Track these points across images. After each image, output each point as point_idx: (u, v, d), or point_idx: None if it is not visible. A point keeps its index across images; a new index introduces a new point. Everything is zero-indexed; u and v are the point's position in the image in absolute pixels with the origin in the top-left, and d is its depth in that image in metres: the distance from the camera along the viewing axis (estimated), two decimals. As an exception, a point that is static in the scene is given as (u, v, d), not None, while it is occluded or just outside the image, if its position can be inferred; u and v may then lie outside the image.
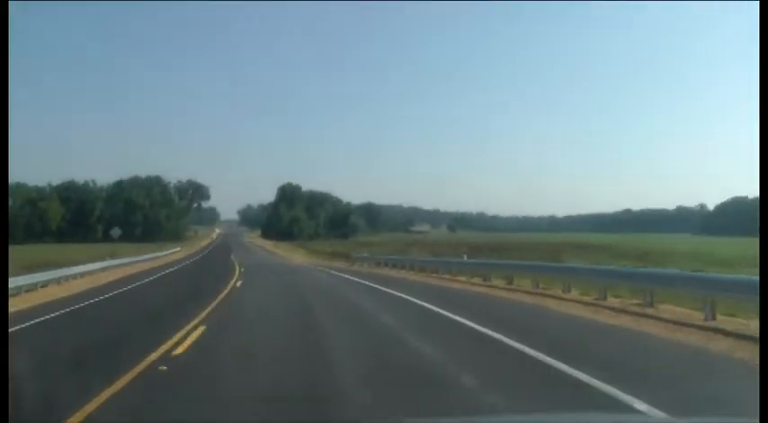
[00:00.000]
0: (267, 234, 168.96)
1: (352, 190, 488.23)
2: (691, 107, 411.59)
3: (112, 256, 45.08)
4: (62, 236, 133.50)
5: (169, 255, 68.82)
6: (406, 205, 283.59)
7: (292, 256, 74.95)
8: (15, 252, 64.00)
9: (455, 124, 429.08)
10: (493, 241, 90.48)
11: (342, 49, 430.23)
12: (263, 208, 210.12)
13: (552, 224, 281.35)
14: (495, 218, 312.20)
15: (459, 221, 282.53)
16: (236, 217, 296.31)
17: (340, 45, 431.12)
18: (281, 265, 47.60)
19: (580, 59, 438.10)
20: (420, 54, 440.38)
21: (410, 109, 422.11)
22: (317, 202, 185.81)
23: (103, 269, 35.23)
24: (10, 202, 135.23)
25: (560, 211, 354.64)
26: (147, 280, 29.31)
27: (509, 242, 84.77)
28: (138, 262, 49.35)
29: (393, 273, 32.71)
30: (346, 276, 28.79)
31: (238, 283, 23.73)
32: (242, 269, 36.94)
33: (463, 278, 25.43)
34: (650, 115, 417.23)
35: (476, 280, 24.18)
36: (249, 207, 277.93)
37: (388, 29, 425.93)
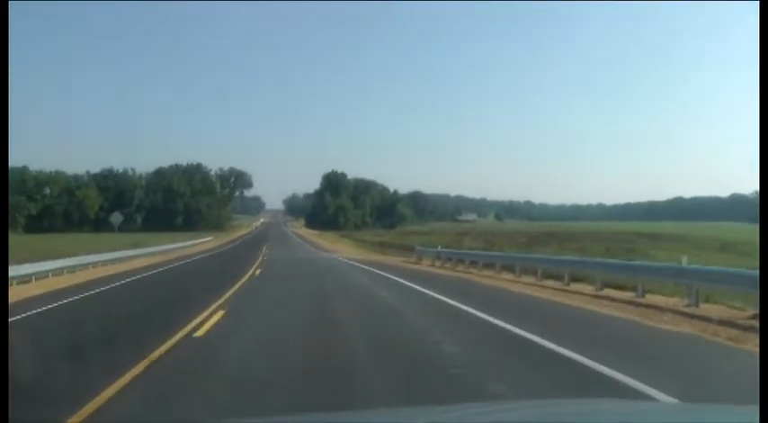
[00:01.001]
0: (311, 223, 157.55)
1: (397, 179, 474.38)
2: (742, 90, 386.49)
3: (136, 246, 39.64)
4: (100, 225, 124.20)
5: (192, 246, 57.17)
6: (452, 194, 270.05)
7: (336, 247, 61.73)
8: (28, 241, 54.81)
9: (502, 113, 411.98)
10: (551, 230, 78.97)
11: (397, 35, 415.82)
12: (308, 197, 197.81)
13: (601, 212, 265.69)
14: (542, 206, 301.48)
15: (507, 210, 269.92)
16: (281, 207, 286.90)
17: (402, 33, 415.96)
18: (320, 262, 34.25)
19: (632, 47, 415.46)
20: (472, 46, 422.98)
21: (457, 98, 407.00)
22: (363, 190, 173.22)
23: (93, 264, 27.71)
24: (47, 191, 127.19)
25: (608, 199, 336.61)
26: (104, 288, 18.47)
27: (569, 232, 73.39)
28: (145, 255, 38.48)
29: (502, 282, 19.03)
30: (439, 297, 14.09)
31: (199, 333, 9.24)
32: (257, 271, 24.25)
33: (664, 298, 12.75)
34: (702, 98, 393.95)
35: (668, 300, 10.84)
36: (294, 196, 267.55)
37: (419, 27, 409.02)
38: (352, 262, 33.48)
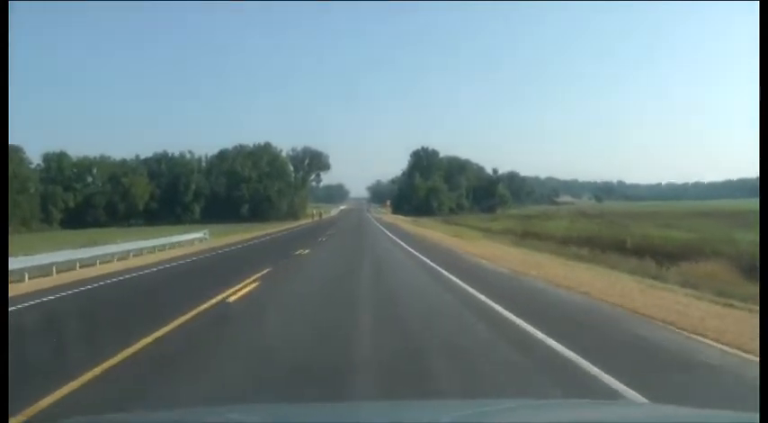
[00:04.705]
0: (399, 208, 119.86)
1: (486, 160, 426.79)
2: None
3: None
4: (152, 217, 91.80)
5: (157, 250, 24.86)
6: (542, 176, 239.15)
7: (475, 247, 22.12)
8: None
9: (591, 91, 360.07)
10: (688, 210, 64.54)
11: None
12: (394, 182, 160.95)
13: (701, 191, 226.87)
14: (635, 186, 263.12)
15: (601, 191, 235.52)
16: (365, 194, 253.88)
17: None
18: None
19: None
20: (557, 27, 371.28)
21: (547, 77, 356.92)
22: (458, 169, 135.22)
23: None
24: (90, 180, 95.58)
25: (704, 177, 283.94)
26: None
27: (722, 211, 56.38)
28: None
29: None
30: None
31: None
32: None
33: None
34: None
35: None
36: (379, 182, 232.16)
37: None
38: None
